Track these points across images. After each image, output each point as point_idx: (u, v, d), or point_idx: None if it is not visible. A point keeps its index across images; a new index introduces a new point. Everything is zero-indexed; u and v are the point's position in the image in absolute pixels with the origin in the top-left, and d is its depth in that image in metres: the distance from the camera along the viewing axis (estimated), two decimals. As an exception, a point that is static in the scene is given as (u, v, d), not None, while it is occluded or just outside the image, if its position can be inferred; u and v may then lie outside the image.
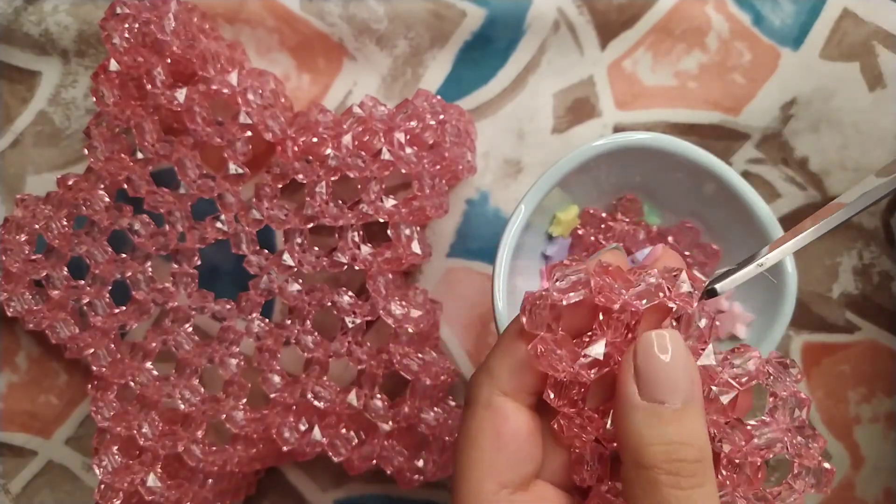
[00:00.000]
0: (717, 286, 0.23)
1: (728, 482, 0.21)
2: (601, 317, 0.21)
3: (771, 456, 0.21)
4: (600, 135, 0.35)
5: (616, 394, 0.20)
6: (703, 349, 0.21)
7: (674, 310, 0.21)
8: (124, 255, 0.33)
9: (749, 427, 0.21)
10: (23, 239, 0.32)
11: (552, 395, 0.21)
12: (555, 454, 0.22)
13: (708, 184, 0.31)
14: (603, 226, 0.33)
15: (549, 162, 0.34)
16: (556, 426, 0.22)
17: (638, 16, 0.34)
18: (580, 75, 0.34)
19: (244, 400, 0.33)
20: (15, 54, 0.34)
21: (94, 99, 0.31)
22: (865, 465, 0.36)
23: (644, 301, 0.20)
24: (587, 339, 0.21)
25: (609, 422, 0.21)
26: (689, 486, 0.19)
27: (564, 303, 0.20)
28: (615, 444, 0.21)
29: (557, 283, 0.21)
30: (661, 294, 0.21)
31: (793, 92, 0.34)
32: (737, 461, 0.21)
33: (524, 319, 0.21)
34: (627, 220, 0.33)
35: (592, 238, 0.33)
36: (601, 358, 0.20)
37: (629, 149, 0.31)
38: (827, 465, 0.21)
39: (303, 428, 0.32)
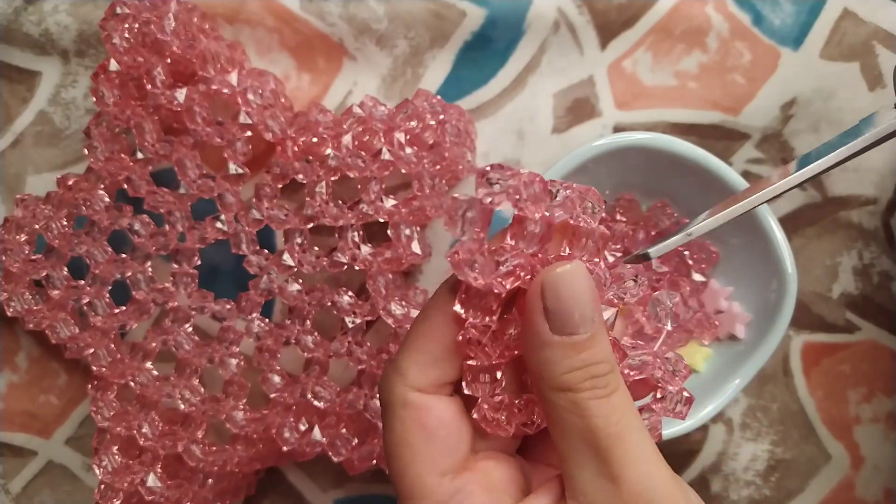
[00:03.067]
0: (650, 251, 0.24)
1: None
2: (516, 226, 0.21)
3: (641, 375, 0.22)
4: (600, 135, 0.35)
5: (526, 330, 0.21)
6: (594, 265, 0.21)
7: (576, 224, 0.21)
8: (124, 255, 0.33)
9: (624, 347, 0.22)
10: (23, 239, 0.32)
11: (464, 307, 0.21)
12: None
13: (707, 184, 0.31)
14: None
15: (549, 162, 0.34)
16: (460, 339, 0.22)
17: (638, 16, 0.34)
18: (580, 75, 0.34)
19: (244, 400, 0.33)
20: (15, 54, 0.34)
21: (94, 99, 0.31)
22: (865, 465, 0.36)
23: (558, 213, 0.21)
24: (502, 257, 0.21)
25: (512, 331, 0.22)
26: (605, 395, 0.20)
27: (500, 290, 0.21)
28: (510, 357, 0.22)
29: (500, 268, 0.21)
30: (573, 208, 0.21)
31: (793, 92, 0.34)
32: None
33: (457, 308, 0.21)
34: (626, 220, 0.33)
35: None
36: (516, 269, 0.21)
37: (629, 149, 0.31)
38: (687, 393, 0.23)
39: (303, 428, 0.32)
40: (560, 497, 0.21)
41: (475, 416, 0.22)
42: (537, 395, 0.22)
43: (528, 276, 0.21)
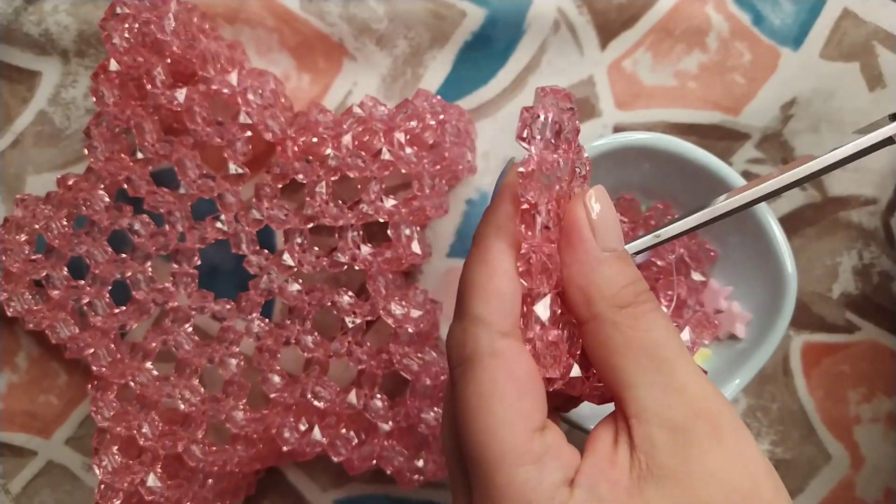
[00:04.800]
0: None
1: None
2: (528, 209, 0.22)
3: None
4: (600, 135, 0.35)
5: (577, 251, 0.21)
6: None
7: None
8: (124, 255, 0.33)
9: None
10: (23, 239, 0.32)
11: (529, 230, 0.21)
12: None
13: (708, 184, 0.31)
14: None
15: (549, 162, 0.34)
16: (520, 267, 0.21)
17: (638, 16, 0.34)
18: (580, 75, 0.34)
19: (244, 400, 0.33)
20: (15, 54, 0.34)
21: (94, 99, 0.31)
22: (865, 465, 0.36)
23: (558, 187, 0.21)
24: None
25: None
26: (654, 308, 0.21)
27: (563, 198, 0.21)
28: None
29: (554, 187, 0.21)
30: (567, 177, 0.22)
31: (793, 92, 0.34)
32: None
33: (521, 266, 0.21)
34: (626, 219, 0.33)
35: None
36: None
37: (629, 149, 0.31)
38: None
39: (303, 428, 0.32)
40: (619, 430, 0.20)
41: (530, 351, 0.20)
42: (591, 320, 0.21)
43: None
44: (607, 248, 0.21)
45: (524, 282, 0.21)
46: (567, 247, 0.21)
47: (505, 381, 0.20)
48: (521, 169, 0.21)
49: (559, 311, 0.21)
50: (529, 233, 0.21)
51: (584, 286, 0.21)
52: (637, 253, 0.26)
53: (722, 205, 0.26)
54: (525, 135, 0.22)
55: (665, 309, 0.23)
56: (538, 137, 0.22)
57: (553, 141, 0.22)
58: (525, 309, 0.21)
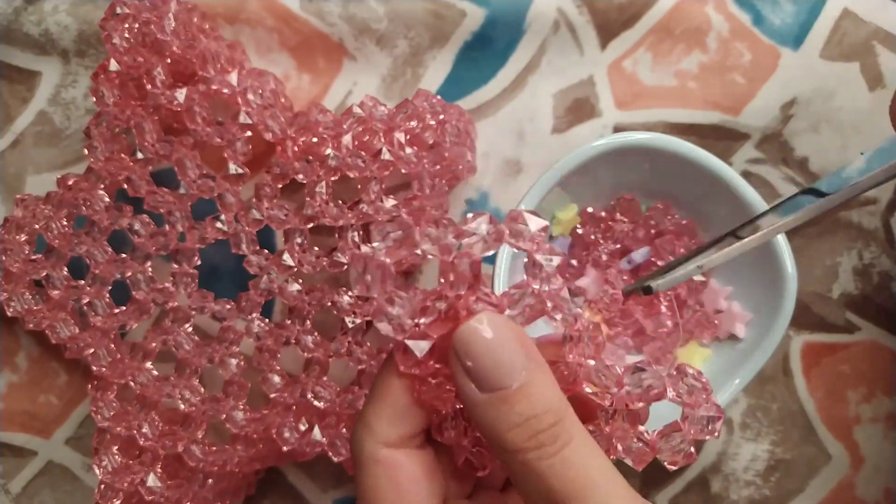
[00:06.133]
0: (653, 283, 0.22)
1: (607, 429, 0.21)
2: (440, 271, 0.20)
3: (650, 402, 0.20)
4: (600, 135, 0.35)
5: (457, 394, 0.20)
6: (553, 285, 0.20)
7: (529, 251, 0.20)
8: (124, 255, 0.33)
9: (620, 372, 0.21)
10: (23, 239, 0.32)
11: (400, 359, 0.20)
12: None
13: (707, 184, 0.31)
14: (602, 225, 0.33)
15: (549, 162, 0.34)
16: (414, 395, 0.21)
17: (638, 16, 0.34)
18: (580, 75, 0.34)
19: (244, 400, 0.33)
20: (15, 54, 0.34)
21: (94, 99, 0.31)
22: (865, 465, 0.36)
23: (477, 248, 0.20)
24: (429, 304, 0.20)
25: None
26: (556, 451, 0.19)
27: (418, 351, 0.20)
28: None
29: (422, 318, 0.20)
30: (502, 234, 0.20)
31: (793, 92, 0.34)
32: (613, 409, 0.21)
33: (401, 360, 0.20)
34: (626, 219, 0.33)
35: (592, 237, 0.33)
36: (441, 310, 0.20)
37: (629, 149, 0.31)
38: (715, 409, 0.21)
39: (303, 428, 0.32)
40: None
41: (459, 462, 0.22)
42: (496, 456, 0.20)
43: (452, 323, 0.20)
44: (488, 390, 0.19)
45: (423, 403, 0.21)
46: (454, 384, 0.20)
47: (385, 486, 0.21)
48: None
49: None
50: (410, 363, 0.20)
51: (472, 422, 0.20)
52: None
53: (765, 232, 0.24)
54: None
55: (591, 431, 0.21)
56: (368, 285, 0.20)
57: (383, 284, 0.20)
58: (435, 423, 0.21)
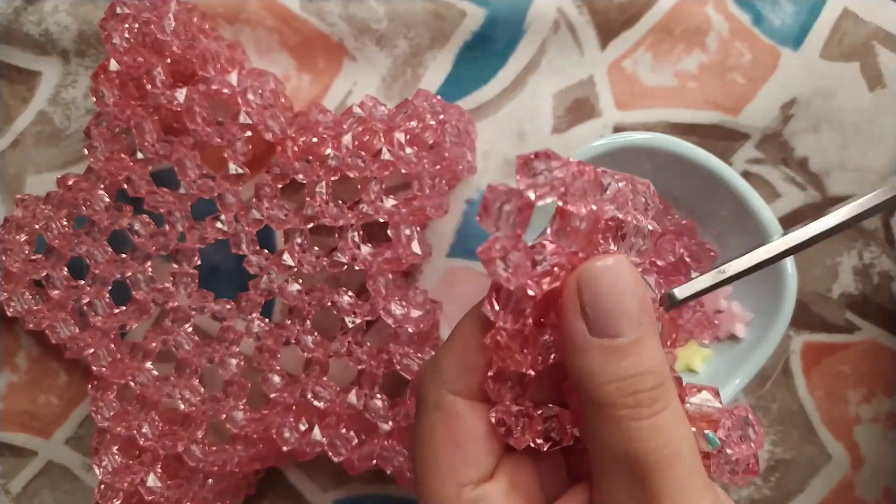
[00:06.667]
0: (677, 291, 0.22)
1: None
2: (558, 222, 0.18)
3: (699, 429, 0.20)
4: (600, 135, 0.35)
5: (562, 333, 0.18)
6: (644, 266, 0.19)
7: (630, 223, 0.19)
8: (124, 255, 0.33)
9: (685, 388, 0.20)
10: (23, 239, 0.32)
11: (494, 308, 0.19)
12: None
13: (707, 184, 0.31)
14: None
15: (549, 162, 0.34)
16: (489, 341, 0.20)
17: (638, 16, 0.34)
18: (580, 75, 0.34)
19: (244, 400, 0.33)
20: (15, 54, 0.34)
21: (94, 99, 0.31)
22: (865, 465, 0.36)
23: (608, 210, 0.18)
24: (539, 255, 0.18)
25: (548, 337, 0.20)
26: (651, 415, 0.18)
27: (535, 292, 0.18)
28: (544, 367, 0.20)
29: (536, 268, 0.18)
30: (628, 203, 0.19)
31: (793, 92, 0.34)
32: None
33: (494, 309, 0.19)
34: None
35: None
36: (556, 269, 0.18)
37: (629, 149, 0.31)
38: (751, 464, 0.20)
39: (303, 428, 0.32)
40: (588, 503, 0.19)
41: (492, 417, 0.20)
42: (579, 406, 0.19)
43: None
44: (601, 334, 0.18)
45: (493, 356, 0.20)
46: (558, 324, 0.19)
47: (442, 434, 0.20)
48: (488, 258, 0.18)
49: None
50: (500, 311, 0.19)
51: (570, 373, 0.19)
52: (701, 292, 0.23)
53: (791, 239, 0.23)
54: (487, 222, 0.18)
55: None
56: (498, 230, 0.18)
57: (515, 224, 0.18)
58: (495, 375, 0.20)
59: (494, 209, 0.18)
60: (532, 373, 0.20)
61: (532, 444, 0.20)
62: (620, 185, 0.19)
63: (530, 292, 0.18)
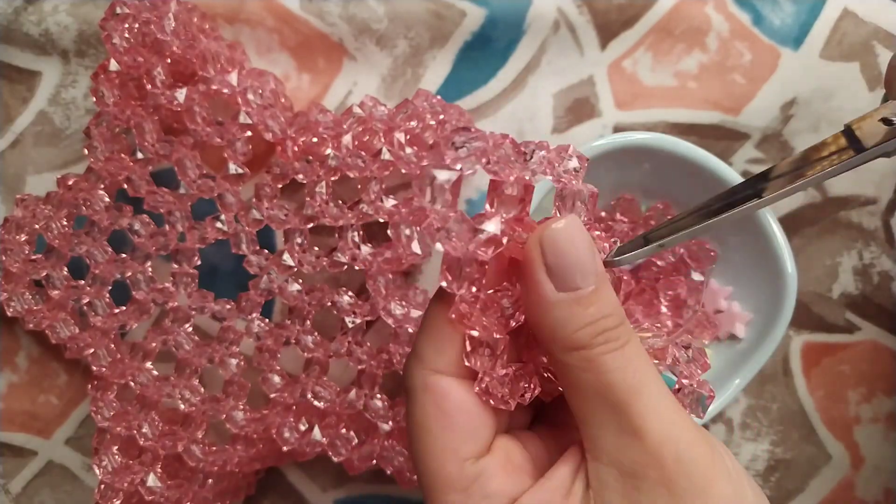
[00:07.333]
0: (616, 258, 0.23)
1: None
2: (494, 193, 0.20)
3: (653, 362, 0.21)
4: (600, 135, 0.35)
5: (529, 292, 0.20)
6: (590, 224, 0.21)
7: (561, 187, 0.21)
8: (124, 255, 0.33)
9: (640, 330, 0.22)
10: (23, 239, 0.32)
11: (449, 278, 0.20)
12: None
13: (707, 184, 0.31)
14: (602, 225, 0.33)
15: (549, 162, 0.34)
16: (452, 315, 0.21)
17: (638, 16, 0.34)
18: (580, 75, 0.34)
19: (244, 400, 0.33)
20: (15, 54, 0.34)
21: (94, 99, 0.31)
22: (865, 465, 0.36)
23: (536, 176, 0.20)
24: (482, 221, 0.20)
25: (507, 304, 0.21)
26: (618, 346, 0.20)
27: (483, 255, 0.20)
28: (511, 328, 0.21)
29: (478, 236, 0.20)
30: (552, 168, 0.20)
31: (793, 92, 0.34)
32: None
33: (446, 278, 0.20)
34: (626, 219, 0.33)
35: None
36: (497, 234, 0.20)
37: (629, 149, 0.31)
38: (708, 389, 0.22)
39: (303, 428, 0.32)
40: (581, 463, 0.21)
41: (476, 389, 0.21)
42: (549, 359, 0.21)
43: (512, 242, 0.20)
44: (566, 289, 0.20)
45: (461, 327, 0.21)
46: (522, 286, 0.21)
47: (434, 414, 0.21)
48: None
49: (522, 345, 0.22)
50: (454, 281, 0.20)
51: (537, 328, 0.21)
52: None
53: (725, 209, 0.24)
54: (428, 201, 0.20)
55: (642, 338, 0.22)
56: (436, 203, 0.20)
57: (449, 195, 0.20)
58: (469, 346, 0.21)
59: (426, 185, 0.19)
60: (502, 336, 0.21)
61: (520, 401, 0.22)
62: (543, 153, 0.20)
63: (478, 258, 0.20)
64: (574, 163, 0.21)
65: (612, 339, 0.20)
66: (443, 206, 0.19)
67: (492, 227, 0.20)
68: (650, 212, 0.33)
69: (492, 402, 0.21)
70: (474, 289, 0.21)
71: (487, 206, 0.20)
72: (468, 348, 0.21)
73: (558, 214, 0.21)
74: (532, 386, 0.22)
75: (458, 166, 0.19)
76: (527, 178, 0.20)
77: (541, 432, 0.24)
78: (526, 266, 0.20)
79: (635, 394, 0.19)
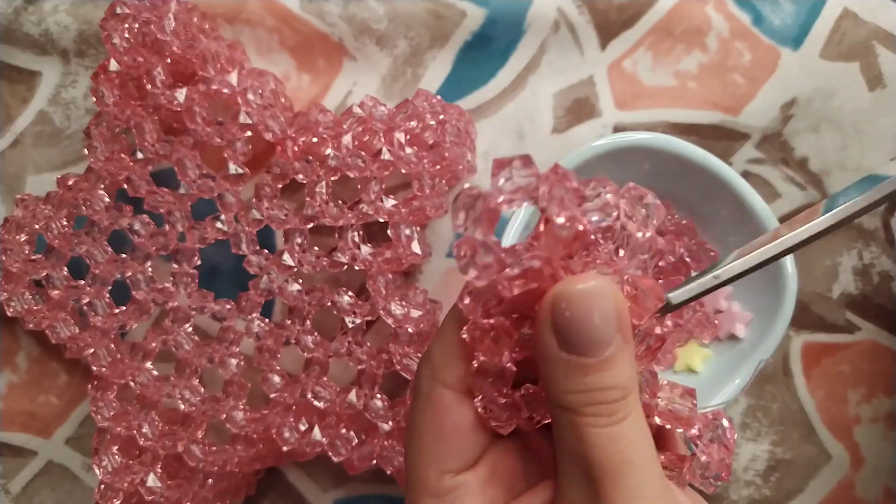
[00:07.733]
0: (671, 295, 0.22)
1: None
2: (541, 227, 0.18)
3: (671, 426, 0.20)
4: (600, 135, 0.35)
5: (534, 337, 0.19)
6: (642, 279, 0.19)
7: (630, 235, 0.19)
8: (124, 255, 0.33)
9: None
10: (23, 239, 0.32)
11: (466, 302, 0.19)
12: None
13: (707, 184, 0.31)
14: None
15: (549, 162, 0.34)
16: (465, 335, 0.20)
17: (638, 16, 0.34)
18: (580, 75, 0.34)
19: (244, 400, 0.33)
20: (15, 54, 0.34)
21: (94, 99, 0.31)
22: (865, 465, 0.36)
23: (595, 218, 0.18)
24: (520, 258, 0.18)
25: (527, 331, 0.20)
26: (607, 424, 0.18)
27: (507, 292, 0.18)
28: (520, 357, 0.21)
29: (507, 270, 0.18)
30: (615, 214, 0.18)
31: (793, 92, 0.34)
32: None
33: (464, 302, 0.19)
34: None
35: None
36: (526, 275, 0.18)
37: (629, 149, 0.31)
38: (723, 471, 0.20)
39: (303, 428, 0.32)
40: (551, 500, 0.21)
41: (478, 408, 0.21)
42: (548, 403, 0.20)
43: (545, 284, 0.19)
44: (571, 352, 0.18)
45: (471, 349, 0.21)
46: (534, 329, 0.20)
47: (430, 424, 0.21)
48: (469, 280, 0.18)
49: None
50: (471, 305, 0.19)
51: (538, 369, 0.20)
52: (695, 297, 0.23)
53: (786, 240, 0.22)
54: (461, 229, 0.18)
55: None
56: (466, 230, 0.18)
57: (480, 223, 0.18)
58: (476, 368, 0.21)
59: (462, 210, 0.18)
60: (511, 366, 0.20)
61: (518, 427, 0.21)
62: (609, 196, 0.18)
63: (502, 293, 0.18)
64: (647, 211, 0.19)
65: (604, 413, 0.18)
66: (475, 234, 0.18)
67: (526, 263, 0.18)
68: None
69: (491, 422, 0.21)
70: (491, 319, 0.20)
71: (531, 240, 0.18)
72: (474, 369, 0.21)
73: (598, 254, 0.19)
74: (540, 417, 0.21)
75: (500, 199, 0.18)
76: (584, 222, 0.18)
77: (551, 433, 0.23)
78: (537, 312, 0.19)
79: (616, 475, 0.18)
